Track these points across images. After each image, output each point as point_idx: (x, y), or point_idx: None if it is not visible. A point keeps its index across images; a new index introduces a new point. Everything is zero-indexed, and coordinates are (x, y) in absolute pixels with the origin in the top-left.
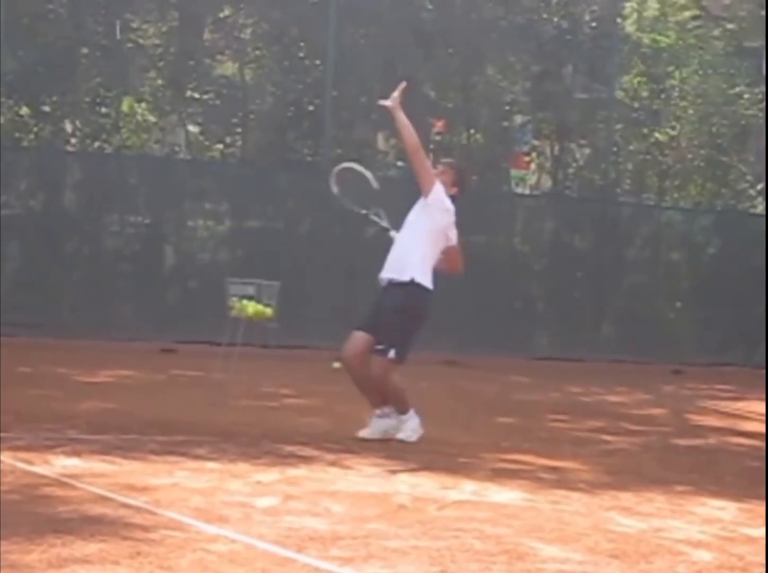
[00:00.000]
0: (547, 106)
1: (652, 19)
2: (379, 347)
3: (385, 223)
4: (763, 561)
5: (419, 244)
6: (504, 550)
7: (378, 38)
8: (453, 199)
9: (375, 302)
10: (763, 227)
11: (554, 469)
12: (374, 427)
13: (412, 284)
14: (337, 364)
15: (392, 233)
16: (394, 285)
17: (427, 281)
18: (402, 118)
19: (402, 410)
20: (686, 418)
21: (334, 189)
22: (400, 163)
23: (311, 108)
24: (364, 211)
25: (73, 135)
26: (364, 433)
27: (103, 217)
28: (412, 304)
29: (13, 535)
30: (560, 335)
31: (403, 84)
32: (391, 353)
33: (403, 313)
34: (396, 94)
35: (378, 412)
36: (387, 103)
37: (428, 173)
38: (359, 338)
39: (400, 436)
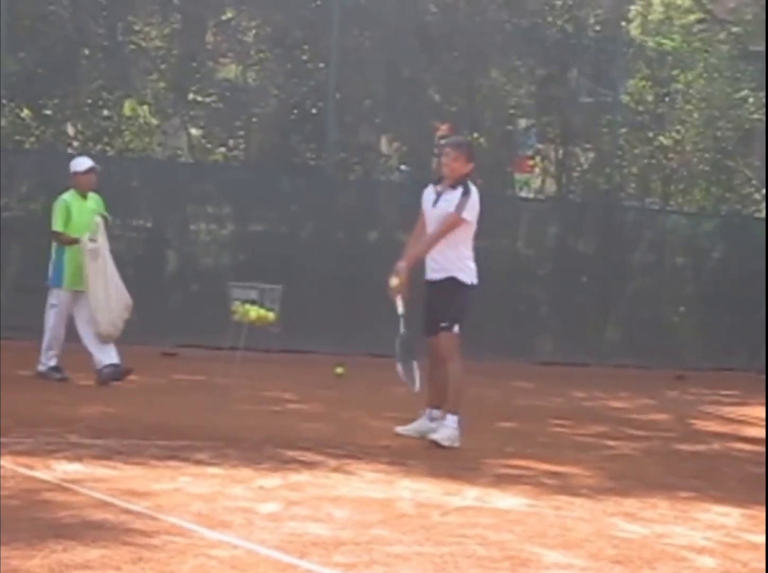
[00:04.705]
0: (552, 110)
1: (657, 23)
2: (444, 324)
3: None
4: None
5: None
6: (507, 556)
7: (382, 41)
8: (469, 175)
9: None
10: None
11: (557, 474)
12: (416, 425)
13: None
14: (340, 369)
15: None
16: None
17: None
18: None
19: (452, 409)
20: (689, 423)
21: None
22: (403, 167)
23: (314, 111)
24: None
25: (74, 138)
26: (401, 429)
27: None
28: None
29: (14, 540)
30: (564, 340)
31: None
32: (456, 328)
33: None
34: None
35: (428, 412)
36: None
37: (452, 227)
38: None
39: (435, 437)
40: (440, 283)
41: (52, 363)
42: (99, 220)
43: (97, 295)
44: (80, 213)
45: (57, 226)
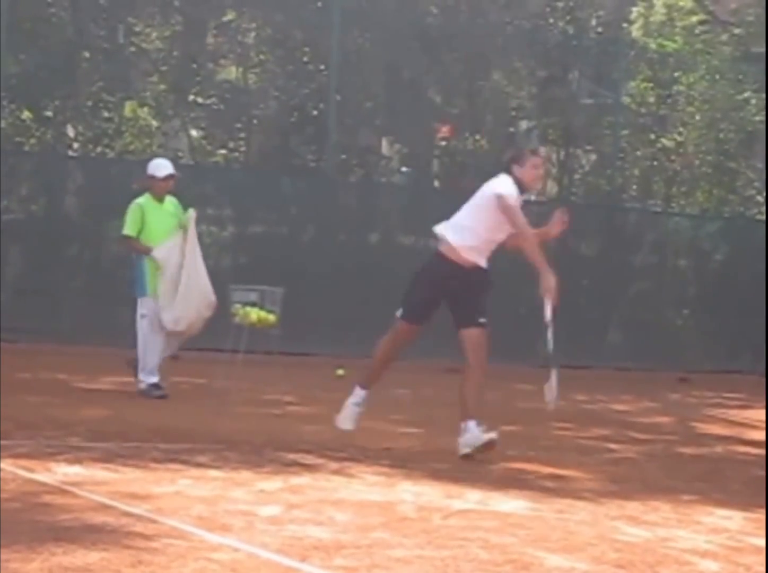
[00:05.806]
0: (553, 112)
1: (658, 24)
2: (482, 320)
3: None
4: None
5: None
6: (509, 560)
7: (382, 43)
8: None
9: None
10: None
11: (559, 477)
12: (347, 411)
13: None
14: (341, 371)
15: None
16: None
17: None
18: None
19: (473, 415)
20: (692, 426)
21: None
22: (404, 169)
23: (315, 113)
24: None
25: (75, 139)
26: (341, 423)
27: (105, 223)
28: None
29: (13, 543)
30: (566, 342)
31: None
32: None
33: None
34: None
35: (357, 392)
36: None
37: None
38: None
39: (464, 450)
40: (475, 270)
41: (153, 379)
42: (193, 213)
43: (166, 292)
44: (157, 217)
45: (128, 229)
